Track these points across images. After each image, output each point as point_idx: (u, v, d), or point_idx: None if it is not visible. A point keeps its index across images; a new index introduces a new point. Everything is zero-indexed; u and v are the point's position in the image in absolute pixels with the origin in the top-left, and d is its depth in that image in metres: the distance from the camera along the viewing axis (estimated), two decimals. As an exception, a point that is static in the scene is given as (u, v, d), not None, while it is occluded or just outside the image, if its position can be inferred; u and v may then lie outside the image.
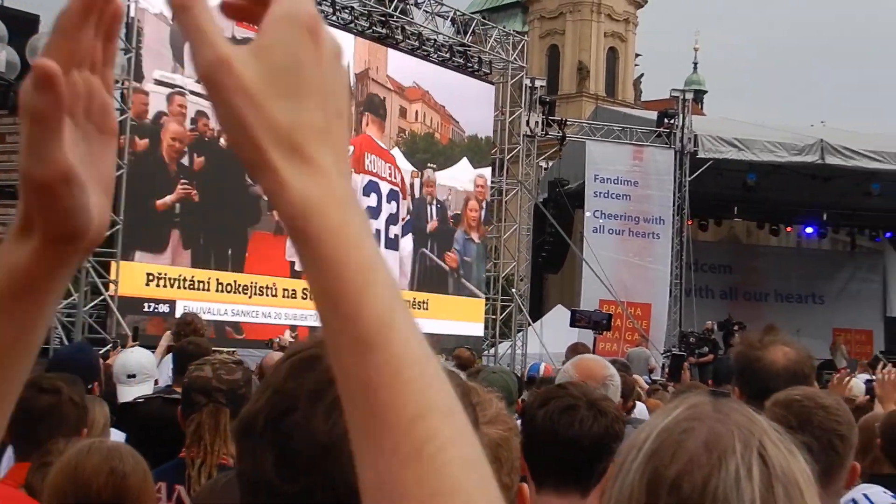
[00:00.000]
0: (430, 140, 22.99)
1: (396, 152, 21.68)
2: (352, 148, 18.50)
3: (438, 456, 0.78)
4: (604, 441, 2.62)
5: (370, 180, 19.83)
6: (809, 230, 33.04)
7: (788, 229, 33.67)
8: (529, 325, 22.61)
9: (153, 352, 7.47)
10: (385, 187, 20.20)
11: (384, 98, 21.74)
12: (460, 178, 23.15)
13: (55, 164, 0.83)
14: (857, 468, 2.98)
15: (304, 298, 18.94)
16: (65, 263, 0.90)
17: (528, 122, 23.65)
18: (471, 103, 23.41)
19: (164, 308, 16.48)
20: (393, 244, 20.31)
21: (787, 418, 2.64)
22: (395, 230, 20.45)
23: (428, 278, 22.06)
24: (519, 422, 2.77)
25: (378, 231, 19.72)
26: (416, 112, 22.68)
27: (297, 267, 18.25)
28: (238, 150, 0.82)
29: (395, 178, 20.88)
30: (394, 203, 20.60)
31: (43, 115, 0.82)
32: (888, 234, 33.10)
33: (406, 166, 21.69)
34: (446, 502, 0.77)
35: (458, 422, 0.81)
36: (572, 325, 13.34)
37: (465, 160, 23.24)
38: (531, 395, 2.95)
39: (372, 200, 19.63)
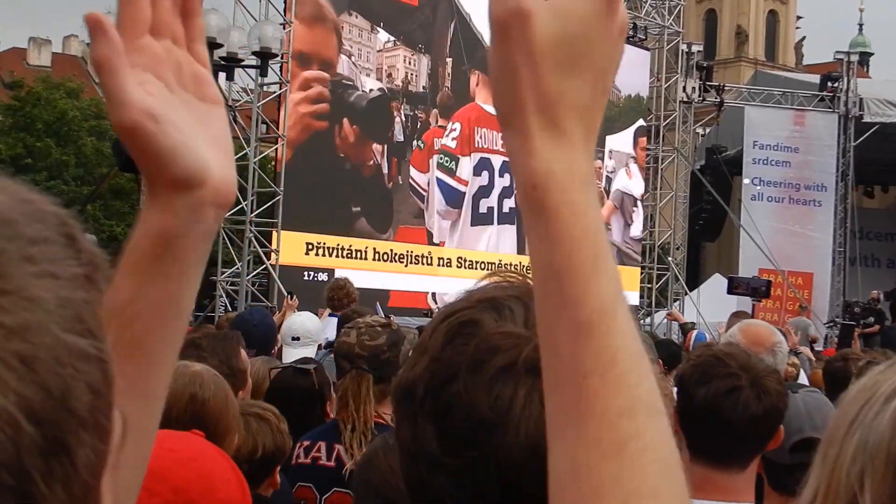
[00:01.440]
0: None
1: None
2: (459, 125, 18.54)
3: (642, 456, 0.77)
4: (767, 420, 2.60)
5: (481, 157, 19.22)
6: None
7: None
8: (686, 294, 22.31)
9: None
10: (497, 161, 19.32)
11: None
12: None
13: (133, 105, 0.84)
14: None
15: (458, 267, 19.21)
16: (196, 217, 0.91)
17: (684, 88, 23.21)
18: (626, 69, 23.09)
19: (322, 276, 16.84)
20: (508, 218, 19.64)
21: None
22: (509, 203, 19.53)
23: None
24: (675, 390, 2.72)
25: (491, 208, 19.44)
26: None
27: (437, 238, 18.70)
28: (499, 103, 0.84)
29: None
30: (507, 175, 19.53)
31: (103, 60, 0.83)
32: None
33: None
34: (642, 503, 0.77)
35: (662, 424, 0.80)
36: (730, 291, 13.04)
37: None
38: (687, 366, 2.86)
39: (483, 179, 19.18)
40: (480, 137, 19.13)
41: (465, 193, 18.93)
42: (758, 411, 2.57)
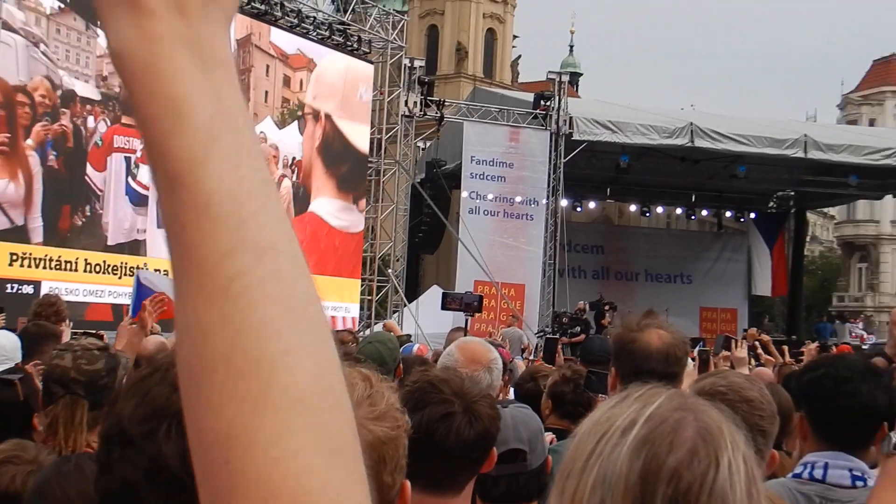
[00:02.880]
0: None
1: (268, 123, 21.53)
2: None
3: (245, 294, 0.75)
4: (480, 445, 2.65)
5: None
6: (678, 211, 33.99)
7: (659, 210, 34.57)
8: (405, 305, 22.69)
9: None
10: None
11: (268, 66, 21.54)
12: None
13: None
14: (776, 456, 3.10)
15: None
16: None
17: (406, 103, 23.65)
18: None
19: (28, 289, 15.96)
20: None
21: None
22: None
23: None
24: None
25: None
26: (301, 81, 22.47)
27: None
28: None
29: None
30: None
31: None
32: (753, 215, 34.22)
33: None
34: (250, 338, 0.74)
35: (277, 261, 0.77)
36: (443, 307, 13.46)
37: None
38: (403, 392, 2.90)
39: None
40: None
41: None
42: (470, 436, 2.62)
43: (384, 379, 2.17)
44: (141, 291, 9.38)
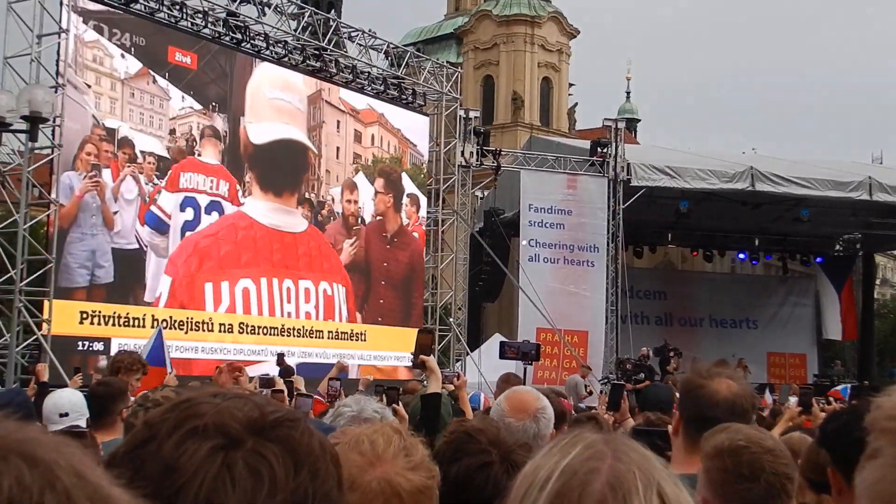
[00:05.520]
0: (398, 164, 23.30)
1: (361, 178, 22.00)
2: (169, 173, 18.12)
3: None
4: None
5: (185, 196, 18.64)
6: (742, 256, 33.63)
7: (721, 255, 34.22)
8: (468, 354, 22.62)
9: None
10: (204, 200, 18.90)
11: (339, 121, 21.90)
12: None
13: None
14: None
15: (250, 333, 18.94)
16: None
17: (462, 153, 23.75)
18: (412, 132, 23.69)
19: (98, 346, 16.19)
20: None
21: (738, 468, 2.67)
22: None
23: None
24: None
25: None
26: (373, 136, 22.76)
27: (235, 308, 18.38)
28: None
29: (217, 189, 19.28)
30: (214, 213, 19.18)
31: None
32: (819, 259, 33.72)
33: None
34: None
35: None
36: (501, 356, 13.39)
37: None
38: (441, 443, 2.88)
39: (188, 214, 18.66)
40: (186, 180, 18.77)
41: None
42: (508, 486, 2.58)
43: (412, 433, 2.26)
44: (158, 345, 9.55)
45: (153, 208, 17.89)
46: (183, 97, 18.55)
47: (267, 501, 1.05)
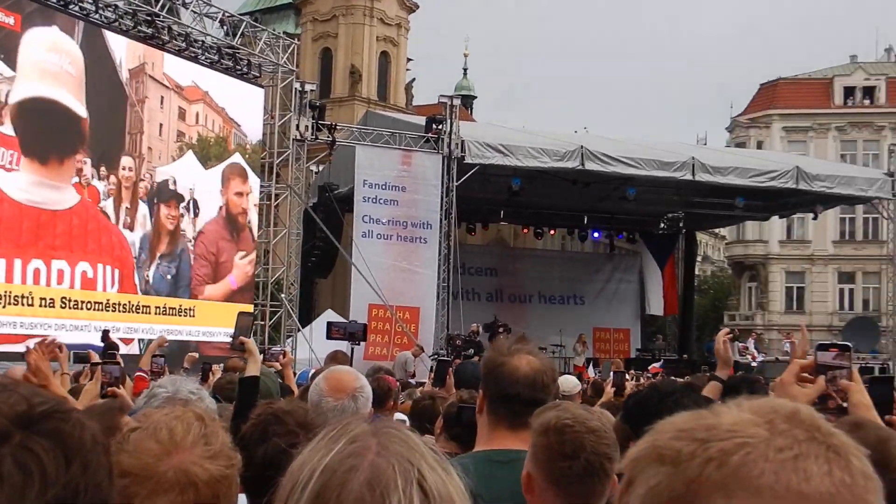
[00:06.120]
0: (223, 146, 22.74)
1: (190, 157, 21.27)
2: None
3: None
4: None
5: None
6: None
7: (552, 232, 34.98)
8: (299, 330, 22.48)
9: None
10: None
11: (163, 97, 21.20)
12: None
13: None
14: (616, 481, 3.10)
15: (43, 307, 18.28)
16: None
17: (297, 127, 23.47)
18: (243, 104, 23.25)
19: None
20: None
21: (561, 446, 2.73)
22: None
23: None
24: None
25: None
26: (197, 114, 22.19)
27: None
28: None
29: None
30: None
31: None
32: (644, 237, 34.85)
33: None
34: None
35: None
36: (328, 337, 13.41)
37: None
38: (249, 425, 2.86)
39: None
40: None
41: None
42: (277, 482, 2.61)
43: (216, 419, 2.20)
44: None
45: None
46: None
47: (38, 498, 1.02)
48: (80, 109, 19.07)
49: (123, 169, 20.27)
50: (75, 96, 18.97)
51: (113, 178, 19.98)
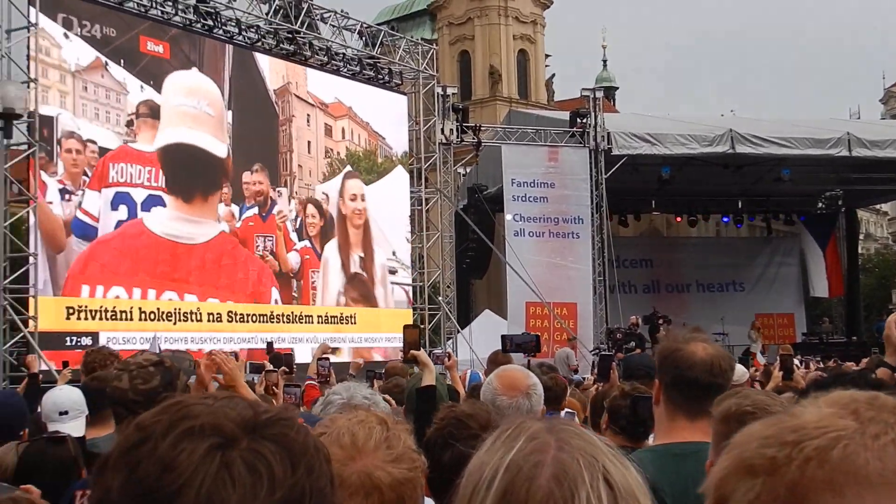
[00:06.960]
0: (372, 160, 23.19)
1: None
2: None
3: None
4: None
5: (116, 192, 17.44)
6: (725, 219, 33.74)
7: (705, 219, 34.30)
8: (458, 331, 22.65)
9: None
10: (140, 194, 17.80)
11: (308, 115, 21.69)
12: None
13: None
14: None
15: (228, 322, 18.88)
16: None
17: (442, 130, 23.67)
18: (387, 114, 23.58)
19: (86, 340, 16.11)
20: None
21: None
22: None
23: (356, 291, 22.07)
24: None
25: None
26: (343, 129, 22.63)
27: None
28: None
29: (156, 180, 18.10)
30: (158, 208, 18.14)
31: None
32: (802, 218, 33.82)
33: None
34: None
35: None
36: (504, 351, 13.44)
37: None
38: (432, 431, 2.89)
39: (122, 213, 17.52)
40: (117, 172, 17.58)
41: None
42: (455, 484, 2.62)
43: (399, 421, 2.26)
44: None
45: (79, 214, 16.80)
46: (142, 87, 18.01)
47: (268, 498, 1.06)
48: (221, 149, 19.37)
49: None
50: (216, 136, 19.25)
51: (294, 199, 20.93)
